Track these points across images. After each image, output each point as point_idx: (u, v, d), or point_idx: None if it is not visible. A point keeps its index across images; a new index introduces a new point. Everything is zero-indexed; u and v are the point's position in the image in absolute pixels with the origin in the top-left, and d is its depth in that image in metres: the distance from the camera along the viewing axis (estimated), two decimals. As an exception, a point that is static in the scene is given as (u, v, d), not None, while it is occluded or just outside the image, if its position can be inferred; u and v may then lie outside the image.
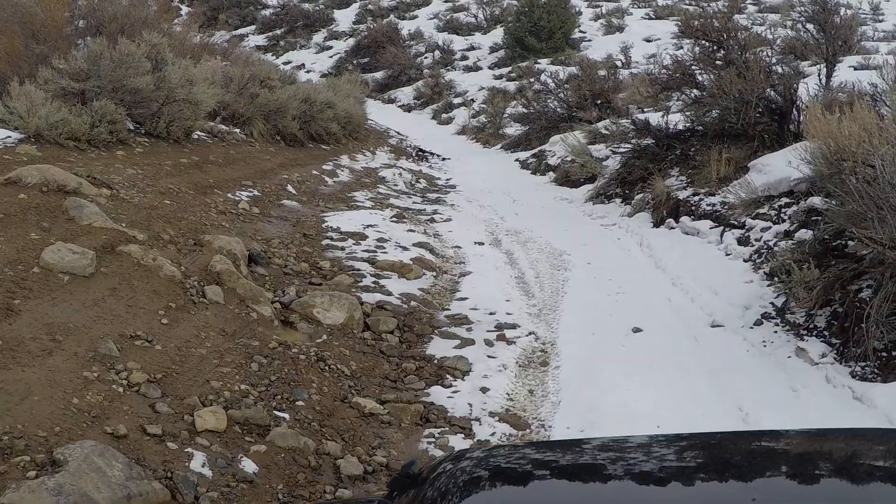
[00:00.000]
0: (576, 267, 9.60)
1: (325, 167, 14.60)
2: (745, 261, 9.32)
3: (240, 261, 7.85)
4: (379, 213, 11.66)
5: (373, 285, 8.46)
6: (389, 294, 8.28)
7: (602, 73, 22.05)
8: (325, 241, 9.78)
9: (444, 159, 20.65)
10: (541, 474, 2.43)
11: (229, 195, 10.53)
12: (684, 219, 10.69)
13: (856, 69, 17.28)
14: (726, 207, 10.44)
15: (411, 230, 10.96)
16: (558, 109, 20.51)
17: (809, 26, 21.26)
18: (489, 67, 31.25)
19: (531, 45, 29.96)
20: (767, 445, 2.57)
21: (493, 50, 32.53)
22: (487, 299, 8.45)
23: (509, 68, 29.80)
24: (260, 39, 40.26)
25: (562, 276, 9.32)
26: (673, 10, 33.57)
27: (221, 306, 7.12)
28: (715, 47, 12.84)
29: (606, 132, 16.67)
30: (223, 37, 40.57)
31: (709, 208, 10.65)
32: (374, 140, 21.42)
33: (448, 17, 37.00)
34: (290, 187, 12.23)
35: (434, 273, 9.24)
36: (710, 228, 10.10)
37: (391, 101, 30.92)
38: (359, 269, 8.85)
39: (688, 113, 12.99)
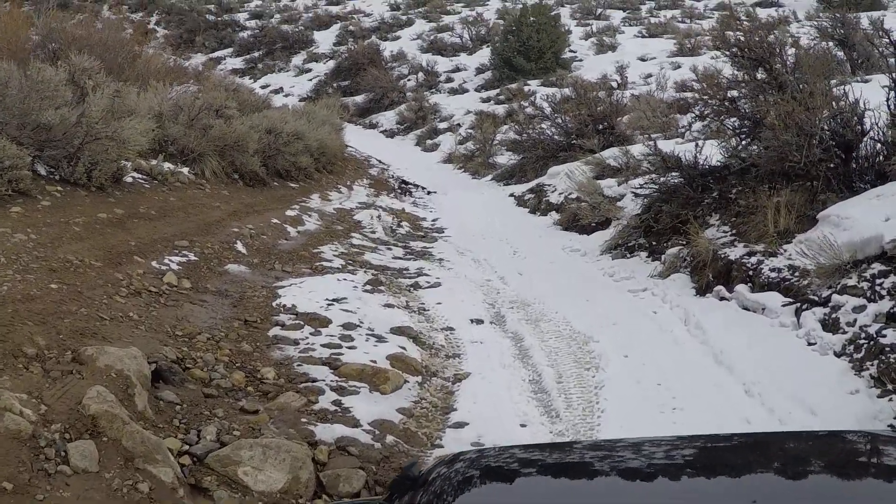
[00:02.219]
0: (610, 364, 6.90)
1: (288, 213, 11.88)
2: (837, 355, 6.66)
3: (134, 387, 5.13)
4: (349, 279, 8.96)
5: (333, 409, 5.76)
6: (356, 425, 5.57)
7: (602, 94, 19.46)
8: (273, 332, 7.07)
9: (429, 193, 17.99)
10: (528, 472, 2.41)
11: (154, 264, 7.82)
12: (741, 288, 8.02)
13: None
14: (797, 275, 7.78)
15: (389, 304, 8.26)
16: (555, 136, 17.87)
17: (830, 43, 18.82)
18: (476, 90, 28.65)
19: (520, 65, 27.37)
20: (765, 447, 2.49)
21: (479, 71, 29.93)
22: (495, 425, 5.76)
23: (497, 90, 27.19)
24: (237, 62, 37.59)
25: (593, 380, 6.62)
26: (667, 28, 31.10)
27: (93, 477, 4.46)
28: (756, 66, 10.22)
29: (616, 165, 14.04)
30: (199, 60, 38.00)
31: (773, 275, 7.97)
32: (351, 172, 18.73)
33: (432, 37, 34.41)
34: (239, 245, 9.52)
35: (419, 378, 6.54)
36: (783, 306, 7.43)
37: (373, 125, 28.26)
38: (315, 380, 6.14)
39: (726, 146, 10.35)
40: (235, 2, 44.94)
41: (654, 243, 10.24)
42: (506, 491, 2.31)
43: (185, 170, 12.19)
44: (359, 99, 30.11)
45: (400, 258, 10.77)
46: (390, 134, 27.22)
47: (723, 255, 8.72)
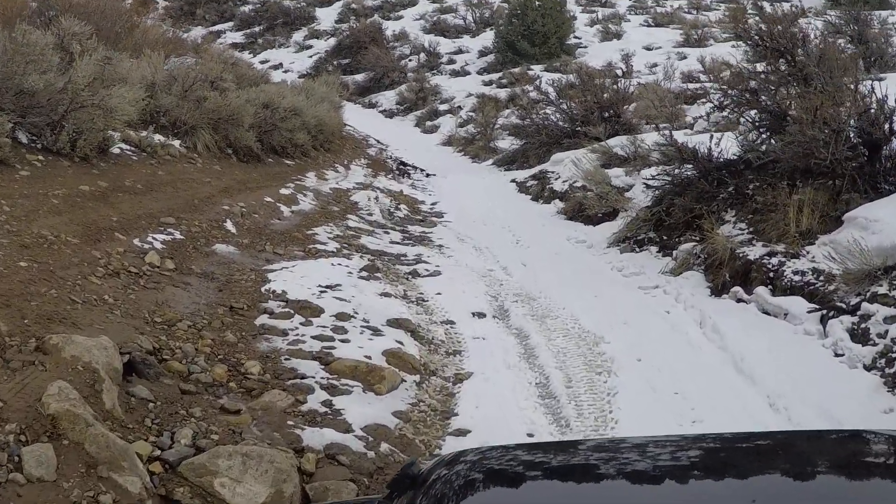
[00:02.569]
0: (622, 368, 6.34)
1: (283, 191, 11.28)
2: (867, 368, 6.14)
3: (102, 382, 4.58)
4: (344, 264, 8.40)
5: (322, 411, 5.21)
6: (348, 429, 5.03)
7: (607, 82, 18.85)
8: (260, 320, 6.50)
9: (428, 175, 17.40)
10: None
11: (136, 242, 7.24)
12: (761, 291, 7.47)
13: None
14: (822, 279, 7.24)
15: (386, 294, 7.70)
16: (560, 123, 17.27)
17: (841, 41, 18.22)
18: (478, 72, 27.98)
19: (524, 49, 26.71)
20: (766, 446, 2.46)
21: (482, 54, 29.25)
22: (499, 433, 5.20)
23: (500, 74, 26.53)
24: (237, 36, 36.81)
25: (605, 386, 6.07)
26: (673, 18, 30.44)
27: (49, 486, 3.95)
28: (778, 57, 9.64)
29: (623, 154, 13.47)
30: (199, 33, 37.21)
31: (796, 278, 7.42)
32: (349, 151, 18.14)
33: (435, 18, 33.68)
34: (229, 224, 8.94)
35: (417, 377, 5.99)
36: (808, 312, 6.88)
37: (372, 105, 27.59)
38: (304, 377, 5.59)
39: (743, 139, 9.77)
40: (238, -25, 44.04)
41: (665, 238, 9.68)
42: (509, 496, 2.23)
43: (177, 142, 11.59)
44: (359, 78, 29.43)
45: (398, 243, 10.20)
46: (390, 114, 26.57)
47: (741, 255, 8.17)
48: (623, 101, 17.28)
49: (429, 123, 24.35)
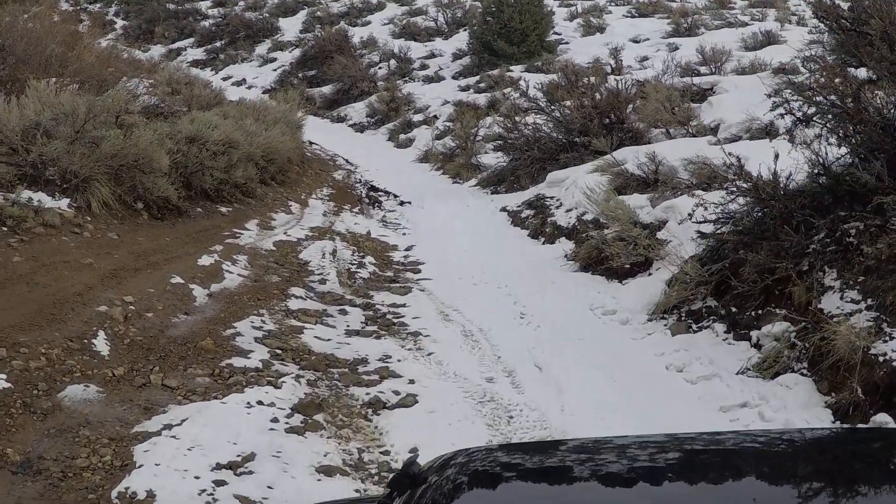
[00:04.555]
0: None
1: (203, 261, 8.05)
2: None
3: None
4: (268, 401, 5.24)
5: None
6: None
7: (595, 80, 15.68)
8: None
9: (402, 203, 14.22)
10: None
11: None
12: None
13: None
14: None
15: (328, 468, 4.53)
16: (553, 134, 14.10)
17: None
18: (453, 77, 24.72)
19: (501, 49, 23.48)
20: (756, 447, 2.38)
21: (456, 57, 25.98)
22: None
23: (477, 77, 23.29)
24: (199, 53, 33.46)
25: None
26: (657, 7, 27.29)
27: None
28: (874, 45, 6.50)
29: (640, 174, 10.34)
30: (159, 51, 33.85)
31: None
32: (310, 179, 14.93)
33: (404, 21, 30.40)
34: (101, 339, 5.75)
35: None
36: None
37: (341, 119, 24.33)
38: None
39: (819, 156, 6.64)
40: (198, -12, 40.69)
41: (734, 310, 6.53)
42: (493, 493, 2.13)
43: (64, 203, 8.39)
44: (326, 90, 26.15)
45: (357, 333, 7.00)
46: (360, 128, 23.31)
47: (881, 358, 5.03)
48: (625, 103, 14.15)
49: (402, 137, 21.13)
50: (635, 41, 23.89)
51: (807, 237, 6.41)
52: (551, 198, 11.55)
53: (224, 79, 29.19)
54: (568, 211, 10.70)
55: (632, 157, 11.23)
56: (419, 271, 9.39)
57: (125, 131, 9.30)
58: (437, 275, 9.13)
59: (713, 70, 18.27)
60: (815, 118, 6.33)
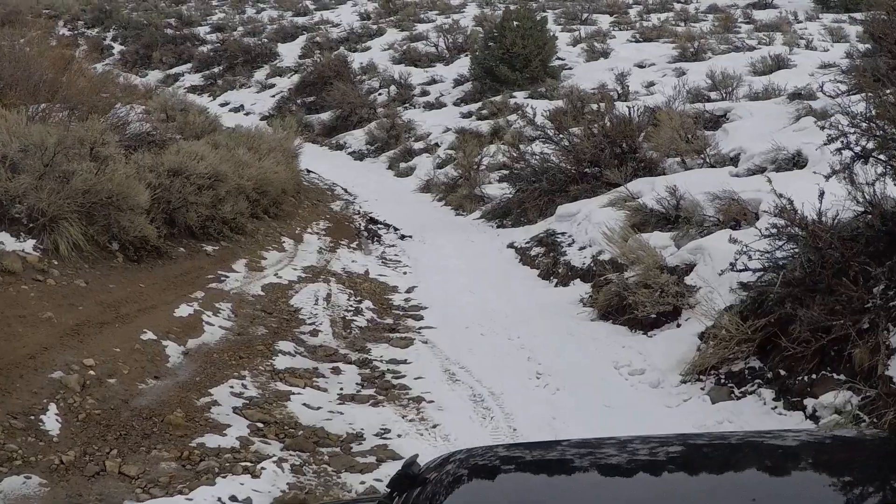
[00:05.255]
0: None
1: (180, 311, 7.14)
2: None
3: None
4: (247, 487, 4.32)
5: None
6: None
7: (602, 106, 14.84)
8: None
9: (403, 237, 13.33)
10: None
11: None
12: None
13: None
14: None
15: None
16: (562, 164, 13.24)
17: None
18: (455, 103, 23.90)
19: (504, 75, 22.68)
20: (757, 446, 2.34)
21: (458, 83, 25.19)
22: None
23: (479, 104, 22.48)
24: (196, 78, 32.70)
25: None
26: (662, 32, 26.55)
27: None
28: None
29: (661, 209, 9.46)
30: (156, 77, 33.13)
31: None
32: (306, 211, 14.06)
33: (405, 46, 29.66)
34: (51, 414, 4.84)
35: None
36: None
37: (340, 146, 23.49)
38: None
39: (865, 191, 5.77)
40: (197, 14, 40.07)
41: (782, 372, 5.63)
42: (493, 489, 2.13)
43: (29, 245, 7.51)
44: (324, 116, 25.34)
45: (351, 399, 6.09)
46: (359, 156, 22.46)
47: None
48: (637, 131, 13.31)
49: (403, 165, 20.29)
50: (641, 66, 23.10)
51: (865, 289, 5.52)
52: (562, 234, 10.67)
53: (222, 105, 28.47)
54: (581, 249, 9.82)
55: (647, 190, 10.39)
56: (421, 318, 8.48)
57: (100, 164, 8.44)
58: (440, 322, 8.22)
59: (724, 95, 17.47)
60: (874, 153, 5.44)
